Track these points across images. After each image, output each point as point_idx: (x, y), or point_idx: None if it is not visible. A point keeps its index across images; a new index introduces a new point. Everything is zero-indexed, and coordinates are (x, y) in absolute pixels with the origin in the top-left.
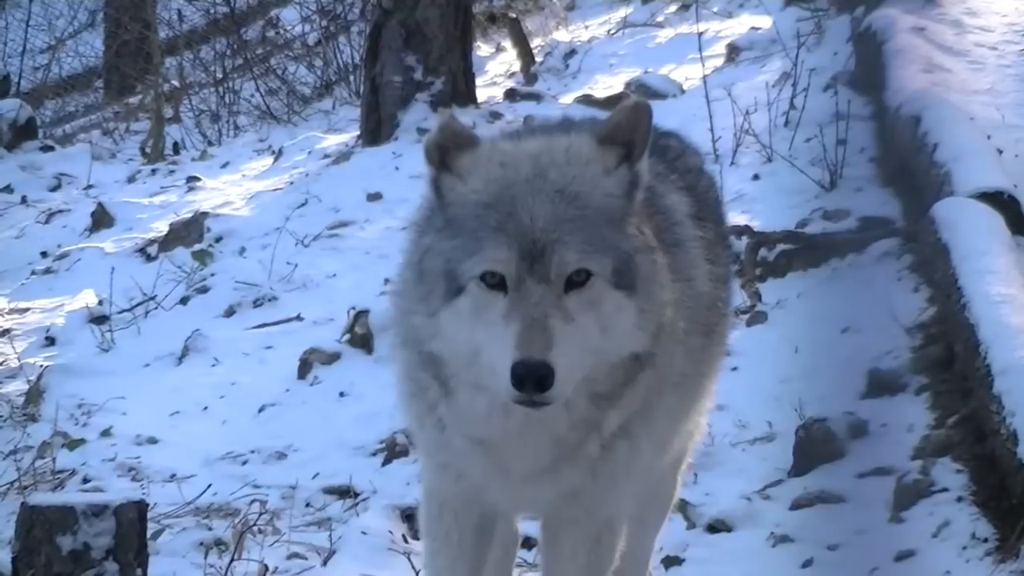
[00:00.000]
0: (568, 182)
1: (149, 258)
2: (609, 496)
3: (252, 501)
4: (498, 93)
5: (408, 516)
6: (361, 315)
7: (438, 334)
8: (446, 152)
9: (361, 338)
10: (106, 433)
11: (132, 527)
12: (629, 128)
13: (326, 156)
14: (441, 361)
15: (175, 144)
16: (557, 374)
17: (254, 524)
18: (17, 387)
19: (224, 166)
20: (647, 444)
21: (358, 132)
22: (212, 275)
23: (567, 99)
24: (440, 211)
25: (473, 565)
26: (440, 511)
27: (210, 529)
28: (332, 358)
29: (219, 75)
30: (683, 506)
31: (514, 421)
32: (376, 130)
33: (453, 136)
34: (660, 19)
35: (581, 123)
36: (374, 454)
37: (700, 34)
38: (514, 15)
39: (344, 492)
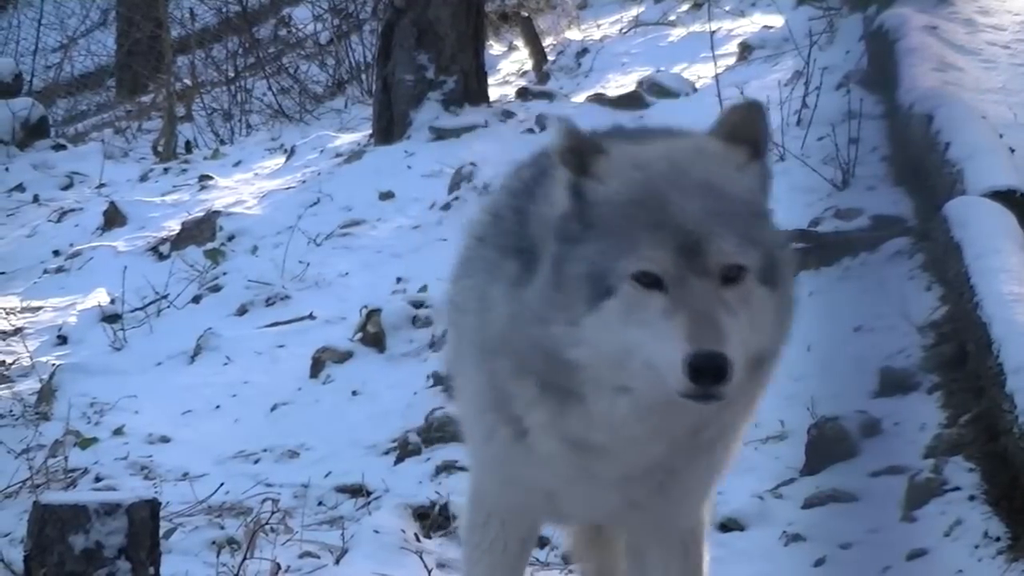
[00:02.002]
0: (711, 177)
1: (161, 257)
2: (692, 502)
3: (264, 500)
4: (510, 92)
5: (420, 514)
6: (373, 313)
7: (582, 341)
8: (582, 156)
9: (373, 337)
10: (118, 432)
11: (144, 526)
12: (749, 126)
13: (338, 155)
14: (576, 367)
15: (187, 143)
16: (734, 366)
17: (266, 523)
18: (29, 386)
19: (236, 165)
20: (732, 451)
21: (370, 131)
22: (224, 274)
23: (579, 98)
24: (578, 217)
25: (513, 575)
26: (487, 520)
27: (222, 528)
28: (344, 357)
29: (231, 74)
30: None
31: (650, 423)
32: (388, 129)
33: (582, 141)
34: (672, 18)
35: (664, 129)
36: (386, 453)
37: (712, 33)
38: (526, 14)
39: (356, 491)
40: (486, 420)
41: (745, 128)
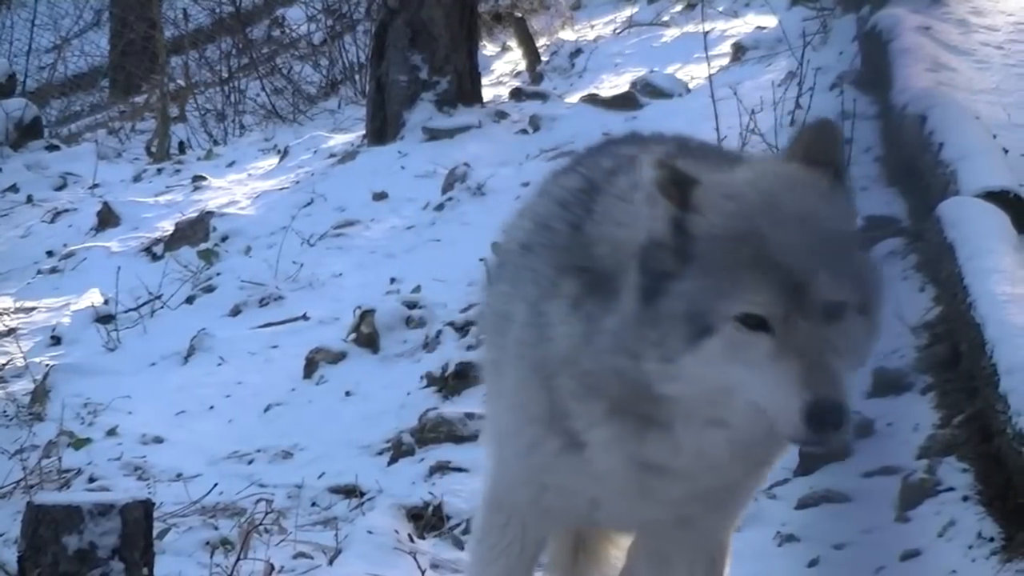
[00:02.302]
0: (804, 208)
1: (155, 257)
2: (736, 515)
3: (258, 500)
4: (504, 92)
5: (414, 515)
6: (367, 314)
7: (677, 377)
8: (683, 188)
9: (367, 337)
10: (112, 432)
11: (138, 526)
12: (826, 147)
13: (332, 155)
14: (668, 402)
15: (181, 143)
16: (850, 413)
17: (260, 523)
18: (23, 386)
19: (230, 165)
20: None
21: (363, 131)
22: (218, 274)
23: (573, 98)
24: (676, 252)
25: None
26: (508, 521)
27: (216, 528)
28: (338, 357)
29: (225, 74)
30: None
31: (740, 453)
32: (382, 129)
33: (680, 172)
34: (666, 18)
35: (731, 153)
36: (380, 453)
37: (706, 33)
38: (520, 14)
39: (350, 491)
40: (532, 430)
41: (822, 150)
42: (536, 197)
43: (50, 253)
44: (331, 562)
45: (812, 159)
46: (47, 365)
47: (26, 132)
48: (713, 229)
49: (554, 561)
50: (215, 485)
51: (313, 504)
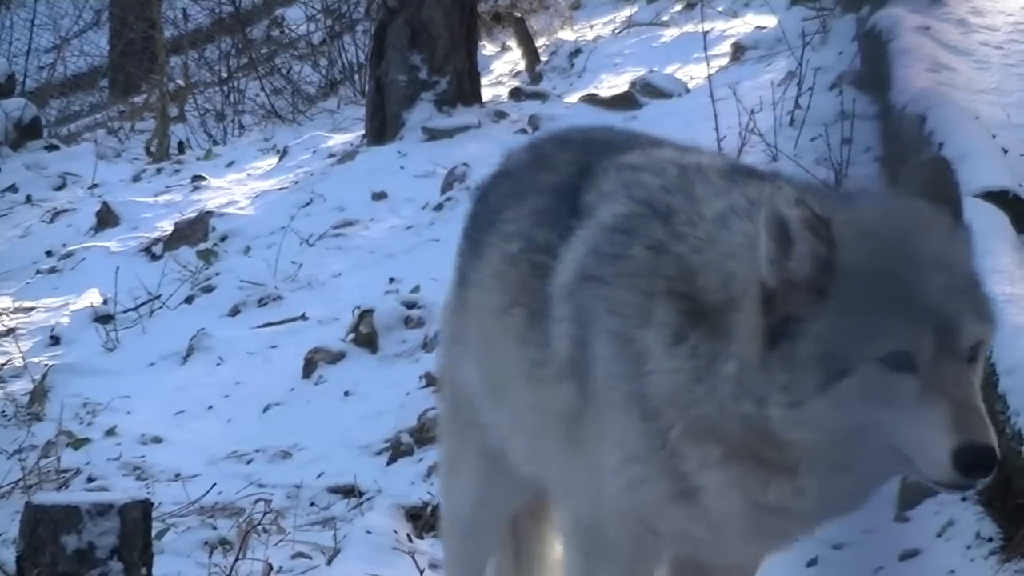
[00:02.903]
0: (937, 247)
1: (154, 257)
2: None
3: (256, 500)
4: (503, 92)
5: (413, 515)
6: (366, 314)
7: (806, 423)
8: (828, 227)
9: (366, 337)
10: (111, 432)
11: (137, 526)
12: (945, 185)
13: (331, 155)
14: (794, 447)
15: (180, 143)
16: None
17: (259, 523)
18: (22, 386)
19: (229, 165)
20: None
21: (363, 131)
22: (217, 274)
23: (572, 98)
24: (814, 292)
25: None
26: (608, 556)
27: (215, 528)
28: (337, 357)
29: (224, 74)
30: None
31: (863, 493)
32: (381, 129)
33: (816, 211)
34: (665, 18)
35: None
36: (379, 453)
37: (705, 33)
38: (519, 14)
39: (349, 491)
40: (633, 469)
41: (941, 188)
42: (617, 219)
43: (49, 253)
44: (330, 562)
45: (940, 199)
46: (46, 365)
47: (25, 132)
48: (854, 268)
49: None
50: (214, 485)
51: (312, 504)
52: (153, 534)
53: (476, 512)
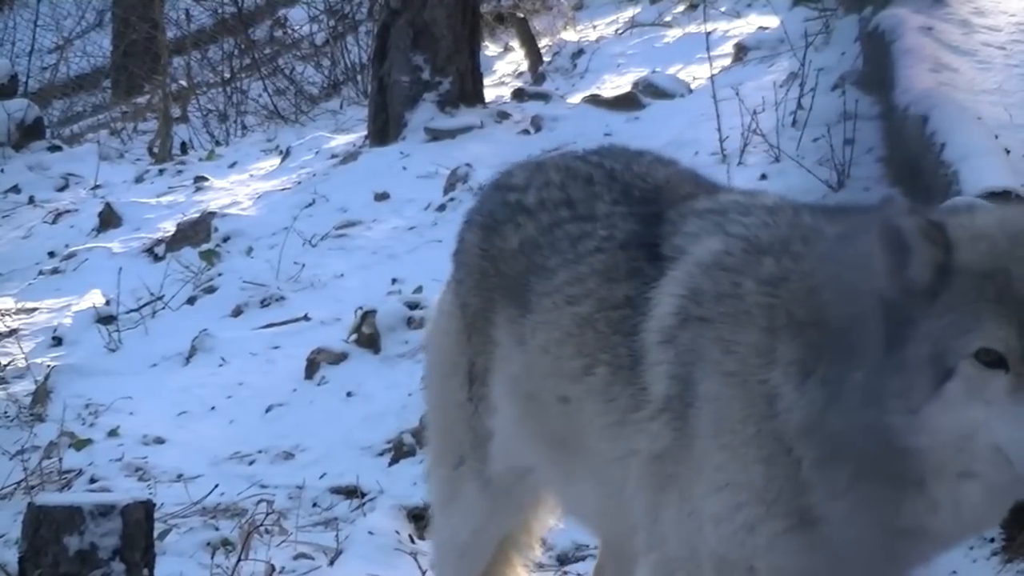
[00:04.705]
0: None
1: (156, 258)
2: None
3: (259, 501)
4: (506, 93)
5: (415, 516)
6: (368, 315)
7: (922, 428)
8: (942, 233)
9: (368, 338)
10: (113, 433)
11: (139, 527)
12: None
13: (333, 156)
14: (916, 455)
15: (183, 144)
16: None
17: (261, 524)
18: (25, 387)
19: (232, 166)
20: None
21: (365, 132)
22: (219, 275)
23: (575, 99)
24: (928, 296)
25: None
26: None
27: (217, 529)
28: (339, 358)
29: (227, 75)
30: None
31: (999, 505)
32: (384, 130)
33: (930, 218)
34: (668, 19)
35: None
36: (381, 454)
37: (708, 34)
38: (522, 15)
39: (351, 492)
40: (748, 512)
41: None
42: (718, 260)
43: (52, 254)
44: (332, 563)
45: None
46: (48, 366)
47: (28, 133)
48: (966, 268)
49: None
50: (216, 486)
51: (314, 505)
52: (155, 535)
53: (475, 538)
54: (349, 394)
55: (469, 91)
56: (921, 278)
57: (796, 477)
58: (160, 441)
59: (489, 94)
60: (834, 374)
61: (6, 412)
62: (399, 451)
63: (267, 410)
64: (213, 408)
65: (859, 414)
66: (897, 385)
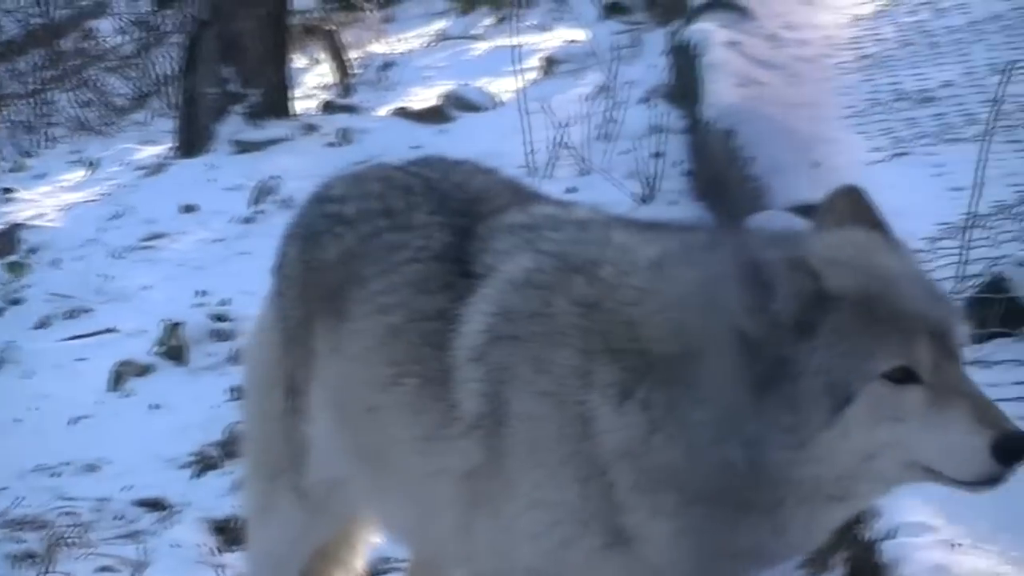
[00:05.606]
0: (902, 263)
1: None
2: None
3: (63, 513)
4: (314, 105)
5: (220, 528)
6: (174, 327)
7: (814, 458)
8: (806, 263)
9: (174, 350)
10: None
11: None
12: (870, 211)
13: (141, 167)
14: (795, 484)
15: None
16: None
17: (65, 537)
18: None
19: (39, 177)
20: None
21: (173, 144)
22: (26, 287)
23: (384, 111)
24: (803, 328)
25: None
26: None
27: (22, 542)
28: (145, 370)
29: (34, 86)
30: None
31: (840, 523)
32: (191, 142)
33: (786, 251)
34: (477, 32)
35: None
36: (186, 466)
37: (516, 47)
38: (331, 27)
39: (156, 504)
40: (563, 529)
41: (868, 214)
42: (528, 276)
43: None
44: None
45: (866, 224)
46: None
47: None
48: (838, 295)
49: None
50: (20, 498)
51: (119, 517)
52: None
53: (290, 549)
54: (155, 406)
55: (277, 103)
56: (790, 312)
57: (609, 498)
58: None
59: (298, 106)
60: (658, 398)
61: None
62: (204, 463)
63: (72, 422)
64: (17, 420)
65: (712, 448)
66: (787, 420)
